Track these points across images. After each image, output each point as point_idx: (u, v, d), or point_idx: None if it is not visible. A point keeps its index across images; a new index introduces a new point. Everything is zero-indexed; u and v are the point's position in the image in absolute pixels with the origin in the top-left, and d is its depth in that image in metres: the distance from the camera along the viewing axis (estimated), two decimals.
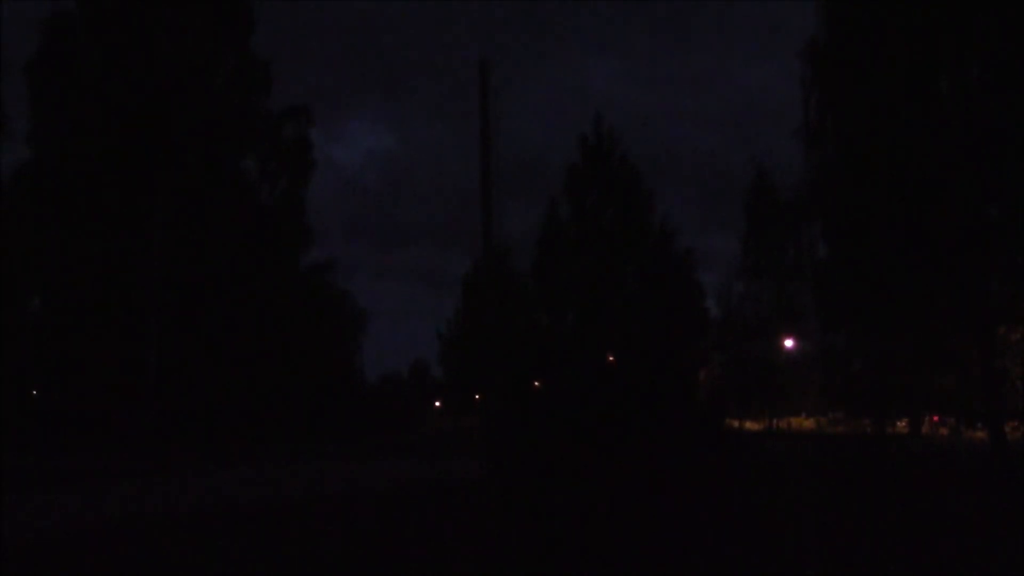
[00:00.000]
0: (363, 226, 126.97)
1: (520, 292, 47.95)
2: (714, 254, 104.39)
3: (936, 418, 29.16)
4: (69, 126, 34.97)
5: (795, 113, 26.52)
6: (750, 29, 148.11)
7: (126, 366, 33.12)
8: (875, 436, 29.30)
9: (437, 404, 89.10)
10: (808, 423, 51.75)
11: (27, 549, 9.36)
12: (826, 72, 25.21)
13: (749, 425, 49.48)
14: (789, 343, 46.54)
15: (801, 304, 45.59)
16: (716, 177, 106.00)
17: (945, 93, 22.88)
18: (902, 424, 34.64)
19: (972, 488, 14.26)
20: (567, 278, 43.66)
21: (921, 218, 22.42)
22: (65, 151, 34.89)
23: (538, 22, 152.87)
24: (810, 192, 27.85)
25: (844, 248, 26.52)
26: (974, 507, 11.85)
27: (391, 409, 62.88)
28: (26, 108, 35.54)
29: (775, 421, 49.53)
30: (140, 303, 33.53)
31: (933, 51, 22.31)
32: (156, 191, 34.45)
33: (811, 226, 36.37)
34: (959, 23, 21.65)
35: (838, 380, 31.21)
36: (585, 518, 11.22)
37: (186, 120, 35.09)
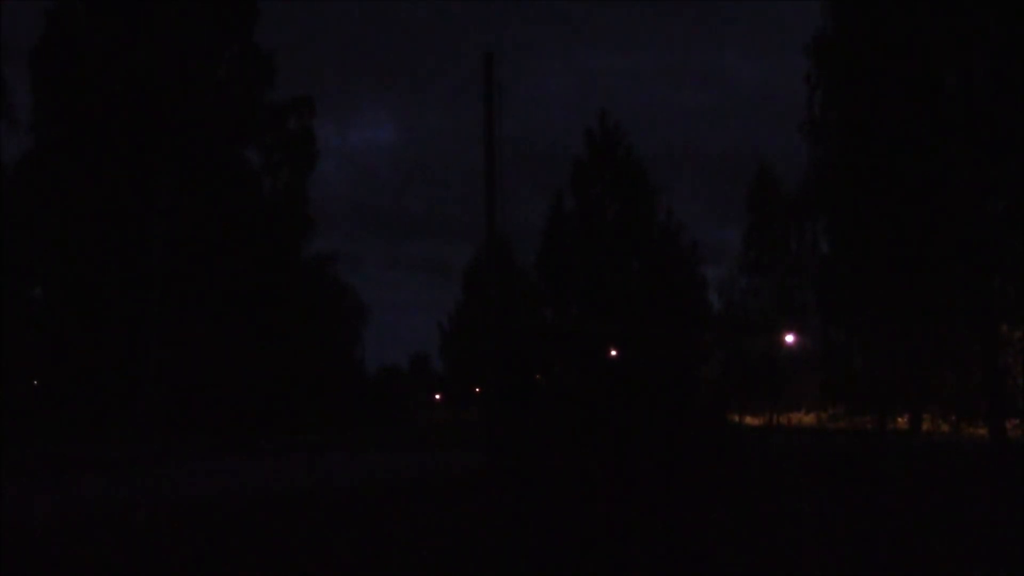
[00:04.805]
0: (367, 217, 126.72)
1: (523, 285, 48.01)
2: (721, 249, 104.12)
3: (927, 416, 29.23)
4: (71, 115, 34.94)
5: (800, 109, 26.50)
6: (756, 25, 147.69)
7: (127, 356, 33.17)
8: (876, 432, 29.30)
9: (437, 397, 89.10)
10: (808, 419, 51.75)
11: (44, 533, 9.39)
12: (831, 68, 25.17)
13: (749, 420, 49.49)
14: (790, 338, 46.57)
15: (802, 299, 45.67)
16: (722, 172, 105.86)
17: (950, 90, 22.86)
18: (902, 420, 34.63)
19: (973, 485, 14.26)
20: (571, 271, 43.71)
21: (925, 215, 22.43)
22: (68, 140, 34.87)
23: (545, 16, 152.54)
24: (813, 188, 27.86)
25: (846, 244, 26.54)
26: (975, 504, 11.86)
27: (391, 401, 62.87)
28: (30, 96, 35.56)
29: (775, 416, 49.54)
30: (141, 293, 33.56)
31: (939, 48, 22.28)
32: (158, 181, 34.45)
33: (814, 222, 36.42)
34: (965, 21, 21.60)
35: (839, 376, 31.21)
36: (586, 510, 11.24)
37: (188, 110, 35.05)
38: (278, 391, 37.43)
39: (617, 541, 9.07)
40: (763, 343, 46.94)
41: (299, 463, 20.55)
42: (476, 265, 60.16)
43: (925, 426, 29.12)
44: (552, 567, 7.92)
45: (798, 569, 7.88)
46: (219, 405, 33.95)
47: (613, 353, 42.00)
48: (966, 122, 21.87)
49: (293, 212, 41.31)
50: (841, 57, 24.62)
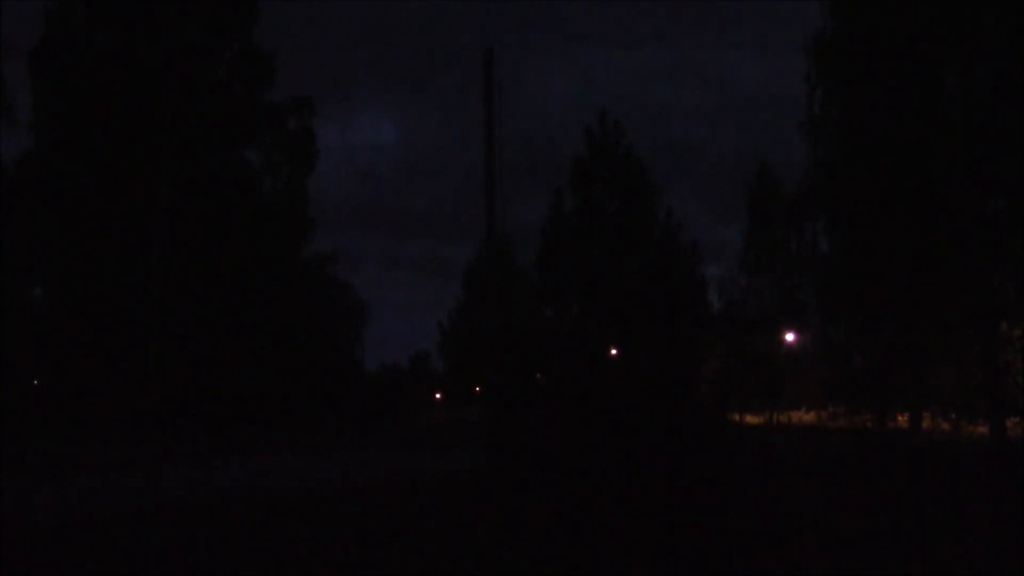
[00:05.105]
0: (367, 217, 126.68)
1: (523, 284, 48.07)
2: (721, 249, 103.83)
3: (927, 414, 29.19)
4: (71, 115, 34.95)
5: (800, 109, 26.48)
6: (756, 25, 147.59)
7: (127, 356, 33.18)
8: (875, 431, 29.28)
9: (437, 396, 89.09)
10: (808, 417, 51.72)
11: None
12: (830, 67, 25.15)
13: (749, 418, 49.47)
14: (790, 338, 46.55)
15: (803, 298, 45.63)
16: (722, 172, 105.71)
17: (950, 90, 22.85)
18: (902, 419, 34.63)
19: (973, 484, 14.27)
20: (571, 270, 43.73)
21: (924, 213, 22.42)
22: (68, 140, 34.88)
23: (545, 16, 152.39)
24: (813, 188, 27.85)
25: (846, 243, 26.54)
26: (975, 503, 11.87)
27: (391, 401, 62.80)
28: (30, 96, 35.56)
29: (776, 415, 49.53)
30: (141, 293, 33.57)
31: (939, 48, 22.27)
32: (158, 181, 34.46)
33: (814, 222, 36.40)
34: (965, 21, 21.61)
35: (839, 375, 31.19)
36: (586, 510, 11.24)
37: (188, 110, 35.07)
38: (278, 391, 37.43)
39: (618, 541, 9.07)
40: (763, 342, 46.89)
41: (299, 463, 20.55)
42: (476, 265, 60.26)
43: (925, 424, 29.09)
44: (553, 567, 7.93)
45: (798, 569, 7.89)
46: (219, 405, 33.94)
47: (613, 352, 42.02)
48: (966, 122, 21.85)
49: (293, 212, 41.33)
50: (841, 57, 24.60)
